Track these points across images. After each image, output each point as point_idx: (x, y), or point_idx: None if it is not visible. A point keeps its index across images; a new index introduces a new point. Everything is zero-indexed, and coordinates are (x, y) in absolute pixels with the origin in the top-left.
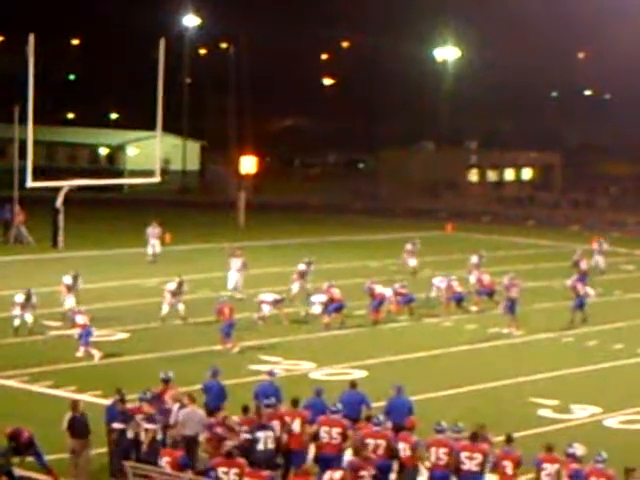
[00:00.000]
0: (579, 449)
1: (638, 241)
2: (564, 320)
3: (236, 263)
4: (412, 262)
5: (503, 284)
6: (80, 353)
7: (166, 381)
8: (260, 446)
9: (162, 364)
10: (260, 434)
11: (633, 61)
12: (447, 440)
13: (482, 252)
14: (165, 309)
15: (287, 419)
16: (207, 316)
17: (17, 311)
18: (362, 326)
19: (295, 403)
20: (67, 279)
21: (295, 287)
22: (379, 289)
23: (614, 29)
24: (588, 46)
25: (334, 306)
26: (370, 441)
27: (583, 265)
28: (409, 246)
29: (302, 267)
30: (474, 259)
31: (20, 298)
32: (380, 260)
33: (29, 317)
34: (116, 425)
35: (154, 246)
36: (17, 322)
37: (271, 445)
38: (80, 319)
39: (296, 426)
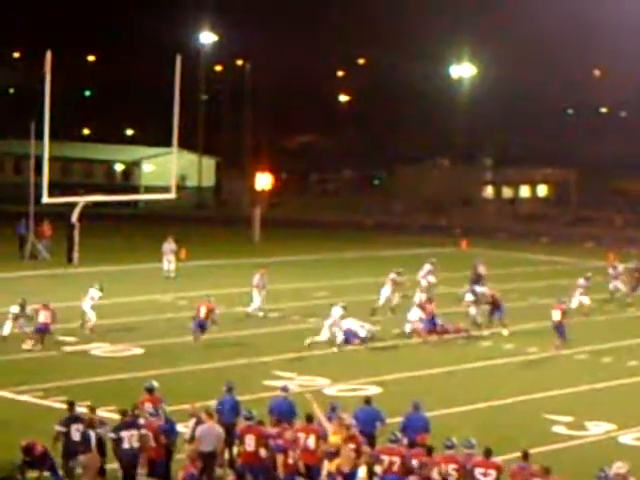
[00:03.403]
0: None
1: None
2: (578, 337)
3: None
4: (431, 279)
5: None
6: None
7: (150, 390)
8: (125, 445)
9: (177, 379)
10: (124, 433)
11: None
12: (457, 456)
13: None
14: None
15: (301, 435)
16: (224, 332)
17: (9, 322)
18: (377, 342)
19: (309, 419)
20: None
21: (395, 297)
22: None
23: (630, 47)
24: (604, 63)
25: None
26: (385, 457)
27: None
28: (428, 266)
29: (394, 277)
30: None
31: (15, 309)
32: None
33: (8, 328)
34: (58, 428)
35: (170, 262)
36: (7, 331)
37: (135, 444)
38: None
39: (311, 442)
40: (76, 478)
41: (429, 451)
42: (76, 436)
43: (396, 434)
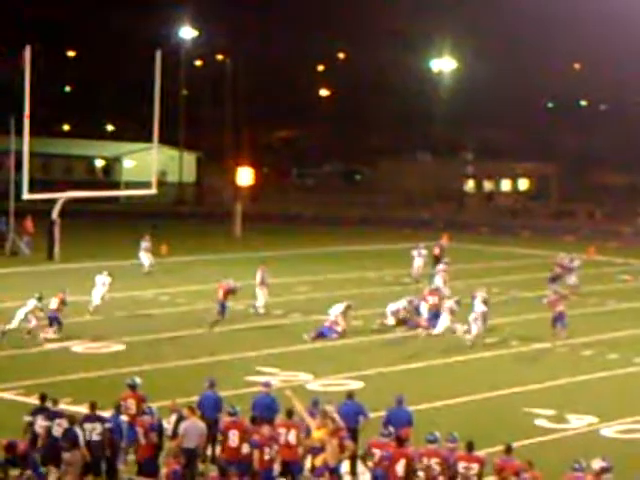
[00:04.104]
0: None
1: (634, 251)
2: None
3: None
4: (418, 263)
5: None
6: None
7: (132, 387)
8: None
9: (159, 375)
10: (87, 426)
11: (628, 72)
12: (439, 450)
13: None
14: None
15: (282, 430)
16: (203, 327)
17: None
18: (359, 337)
19: (290, 414)
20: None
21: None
22: (432, 300)
23: (610, 40)
24: (584, 57)
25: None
26: (376, 451)
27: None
28: (415, 252)
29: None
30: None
31: (33, 303)
32: (377, 271)
33: (17, 322)
34: (26, 418)
35: (145, 258)
36: (15, 325)
37: (96, 437)
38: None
39: (292, 437)
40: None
41: (399, 442)
42: (57, 432)
43: (389, 428)
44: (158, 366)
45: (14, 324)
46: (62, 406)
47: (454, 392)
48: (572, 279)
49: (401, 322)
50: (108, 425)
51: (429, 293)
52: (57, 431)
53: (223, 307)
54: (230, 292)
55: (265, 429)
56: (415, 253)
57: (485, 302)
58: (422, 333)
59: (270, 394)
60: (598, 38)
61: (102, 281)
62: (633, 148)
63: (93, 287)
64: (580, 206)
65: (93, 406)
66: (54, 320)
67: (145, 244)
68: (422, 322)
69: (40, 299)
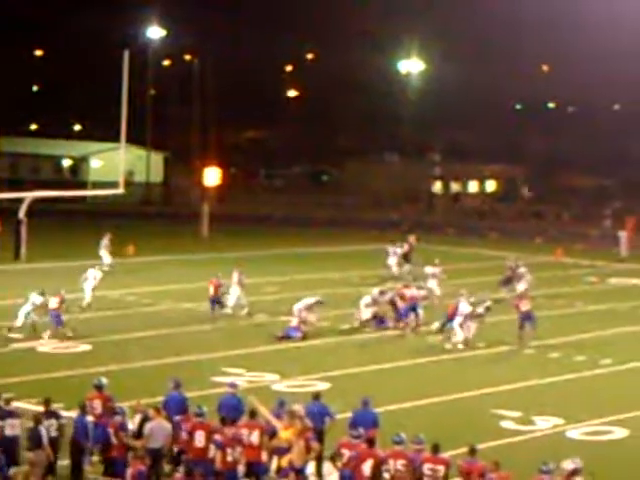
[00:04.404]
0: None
1: (600, 253)
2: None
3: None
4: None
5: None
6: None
7: (99, 387)
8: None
9: (126, 375)
10: (45, 422)
11: (596, 74)
12: (406, 452)
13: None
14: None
15: (244, 431)
16: (171, 328)
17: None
18: (325, 337)
19: (252, 415)
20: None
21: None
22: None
23: (578, 42)
24: (552, 59)
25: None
26: (345, 452)
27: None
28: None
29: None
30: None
31: (38, 299)
32: (343, 272)
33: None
34: None
35: (106, 257)
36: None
37: (54, 434)
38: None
39: (254, 438)
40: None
41: (370, 443)
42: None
43: (359, 430)
44: (124, 366)
45: (19, 322)
46: (28, 406)
47: (421, 393)
48: (521, 286)
49: (376, 316)
50: (63, 421)
51: (404, 287)
52: (10, 431)
53: (215, 302)
54: (219, 288)
55: (227, 430)
56: (391, 250)
57: (472, 304)
58: (407, 331)
59: (236, 395)
60: (566, 40)
61: (93, 275)
62: (601, 150)
63: (84, 282)
64: (547, 208)
65: (48, 402)
66: (55, 319)
67: (105, 242)
68: (401, 323)
69: (43, 294)
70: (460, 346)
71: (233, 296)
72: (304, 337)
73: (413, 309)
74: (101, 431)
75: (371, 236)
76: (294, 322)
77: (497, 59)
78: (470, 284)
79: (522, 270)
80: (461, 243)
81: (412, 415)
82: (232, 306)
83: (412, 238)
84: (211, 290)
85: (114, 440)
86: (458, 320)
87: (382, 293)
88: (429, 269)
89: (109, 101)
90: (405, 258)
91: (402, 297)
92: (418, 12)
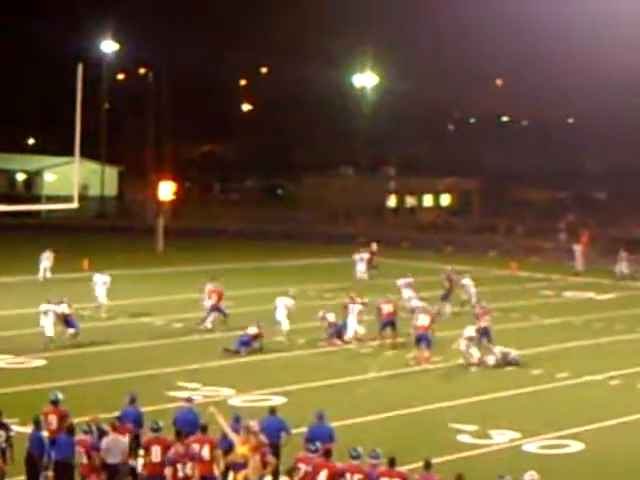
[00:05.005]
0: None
1: (555, 266)
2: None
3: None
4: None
5: (475, 313)
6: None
7: (54, 402)
8: None
9: (81, 390)
10: None
11: (549, 88)
12: (362, 466)
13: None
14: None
15: (195, 446)
16: (127, 343)
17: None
18: (281, 352)
19: (204, 429)
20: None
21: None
22: (386, 308)
23: (531, 55)
24: (505, 73)
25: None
26: (302, 466)
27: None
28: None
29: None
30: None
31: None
32: (299, 285)
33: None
34: None
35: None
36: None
37: (3, 445)
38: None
39: (205, 453)
40: None
41: (326, 455)
42: None
43: (316, 444)
44: (80, 381)
45: (50, 331)
46: None
47: (377, 408)
48: (472, 300)
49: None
50: (12, 433)
51: (384, 302)
52: None
53: (216, 311)
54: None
55: (178, 446)
56: (357, 257)
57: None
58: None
59: (192, 409)
60: (520, 54)
61: (102, 280)
62: (554, 164)
63: (94, 287)
64: (501, 221)
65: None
66: (70, 324)
67: (47, 254)
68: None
69: (60, 302)
70: (473, 368)
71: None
72: (260, 349)
73: (390, 324)
74: (63, 447)
75: (326, 250)
76: (246, 335)
77: (451, 73)
78: (426, 298)
79: (465, 282)
80: (416, 257)
81: (368, 429)
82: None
83: (374, 245)
84: (213, 298)
85: (84, 460)
86: (464, 344)
87: (323, 319)
88: (401, 280)
89: (63, 115)
90: (368, 264)
91: (378, 311)
92: (372, 26)
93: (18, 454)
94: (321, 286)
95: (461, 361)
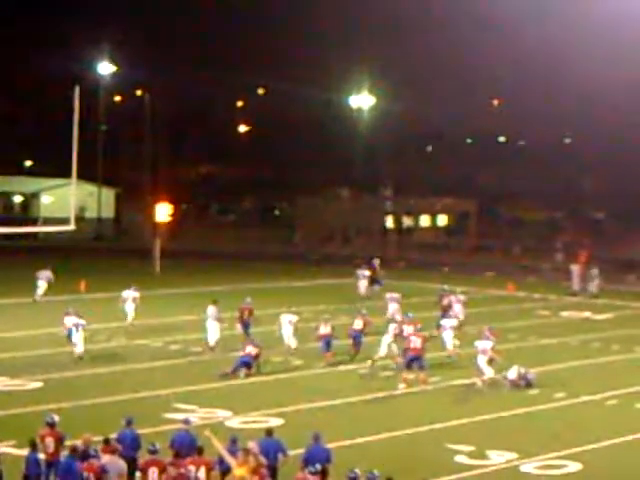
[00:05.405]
0: None
1: (552, 286)
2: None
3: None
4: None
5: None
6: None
7: (51, 425)
8: None
9: (77, 413)
10: None
11: (546, 108)
12: None
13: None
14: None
15: (191, 468)
16: (124, 364)
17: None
18: (278, 373)
19: (200, 451)
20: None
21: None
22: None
23: (527, 76)
24: (503, 93)
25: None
26: None
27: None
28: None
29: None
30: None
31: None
32: (296, 307)
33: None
34: None
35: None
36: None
37: None
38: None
39: (201, 474)
40: None
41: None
42: None
43: (316, 466)
44: (76, 403)
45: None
46: None
47: (374, 429)
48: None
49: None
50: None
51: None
52: None
53: (246, 325)
54: (252, 313)
55: (171, 469)
56: (359, 274)
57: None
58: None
59: (190, 432)
60: (517, 75)
61: (132, 296)
62: (551, 184)
63: (124, 303)
64: (498, 242)
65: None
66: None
67: (46, 274)
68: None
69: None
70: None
71: (211, 331)
72: (257, 369)
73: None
74: (67, 472)
75: (323, 271)
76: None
77: (447, 93)
78: (422, 318)
79: (461, 298)
80: (413, 277)
81: (366, 450)
82: (210, 341)
83: (376, 261)
84: (246, 314)
85: None
86: (482, 358)
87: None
88: (389, 295)
89: (60, 137)
90: (372, 280)
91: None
92: (368, 47)
93: (15, 476)
94: (317, 308)
95: (463, 381)
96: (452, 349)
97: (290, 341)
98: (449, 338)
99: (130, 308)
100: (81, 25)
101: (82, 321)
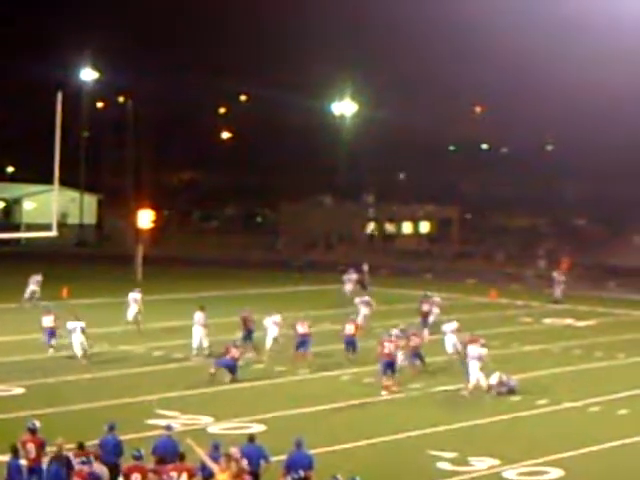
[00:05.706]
0: None
1: (535, 293)
2: (460, 372)
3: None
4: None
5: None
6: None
7: (32, 431)
8: None
9: (60, 419)
10: None
11: (528, 115)
12: None
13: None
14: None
15: (173, 474)
16: (107, 371)
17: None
18: (260, 379)
19: (182, 457)
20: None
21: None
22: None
23: (509, 83)
24: (485, 101)
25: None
26: None
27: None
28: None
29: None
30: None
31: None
32: (279, 313)
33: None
34: None
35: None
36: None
37: None
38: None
39: None
40: None
41: None
42: None
43: (299, 472)
44: (59, 409)
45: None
46: None
47: (357, 435)
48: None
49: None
50: None
51: (300, 322)
52: None
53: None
54: (249, 321)
55: (152, 475)
56: (346, 278)
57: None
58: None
59: (172, 438)
60: (499, 82)
61: (134, 297)
62: (533, 191)
63: (127, 309)
64: (480, 249)
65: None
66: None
67: (37, 278)
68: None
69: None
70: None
71: (197, 337)
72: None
73: (303, 344)
74: (54, 478)
75: (305, 278)
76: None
77: (430, 101)
78: (404, 325)
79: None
80: (395, 284)
81: (348, 457)
82: (195, 347)
83: (365, 267)
84: (249, 323)
85: None
86: (475, 364)
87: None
88: (358, 299)
89: (42, 143)
90: (361, 285)
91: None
92: (351, 54)
93: None
94: (299, 314)
95: (446, 387)
96: (453, 350)
97: (269, 343)
98: (451, 342)
99: (132, 310)
100: (64, 31)
101: (82, 323)
